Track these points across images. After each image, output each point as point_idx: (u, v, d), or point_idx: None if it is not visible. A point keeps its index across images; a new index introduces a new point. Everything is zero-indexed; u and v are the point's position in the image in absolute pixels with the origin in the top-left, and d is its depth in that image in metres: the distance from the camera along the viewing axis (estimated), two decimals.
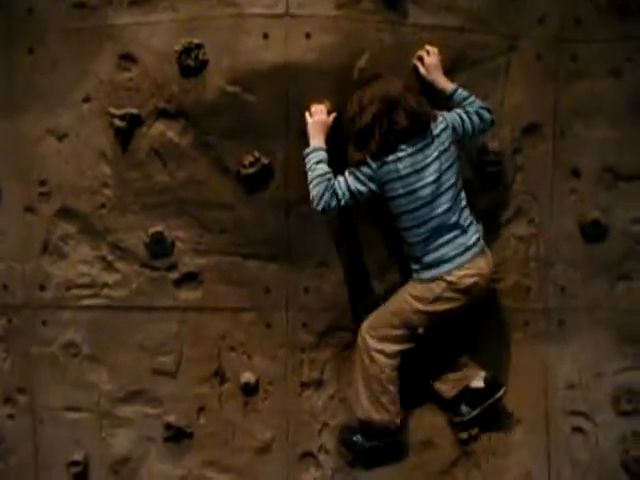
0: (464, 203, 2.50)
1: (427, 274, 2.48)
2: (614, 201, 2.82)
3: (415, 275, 2.54)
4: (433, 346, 2.67)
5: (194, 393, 2.76)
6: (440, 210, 2.43)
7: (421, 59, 2.55)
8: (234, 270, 2.71)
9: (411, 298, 2.51)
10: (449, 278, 2.45)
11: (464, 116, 2.50)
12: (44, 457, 2.82)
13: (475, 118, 2.50)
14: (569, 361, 2.85)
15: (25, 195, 2.73)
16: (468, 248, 2.47)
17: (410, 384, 2.69)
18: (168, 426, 2.75)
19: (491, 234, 2.79)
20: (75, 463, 2.77)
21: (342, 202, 2.40)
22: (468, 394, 2.68)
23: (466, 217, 2.49)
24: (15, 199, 2.74)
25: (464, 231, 2.47)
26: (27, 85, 2.67)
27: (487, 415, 2.73)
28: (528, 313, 2.85)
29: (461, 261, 2.45)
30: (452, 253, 2.45)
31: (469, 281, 2.45)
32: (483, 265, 2.49)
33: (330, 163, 2.44)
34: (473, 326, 2.81)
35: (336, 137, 2.49)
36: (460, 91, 2.54)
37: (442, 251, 2.45)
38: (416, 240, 2.47)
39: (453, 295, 2.46)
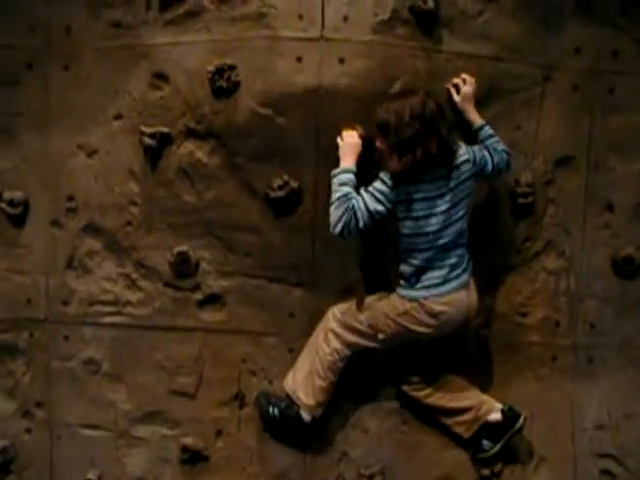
0: (463, 241, 2.47)
1: (405, 292, 2.48)
2: None
3: (397, 287, 2.52)
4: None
5: (212, 416, 2.73)
6: (441, 242, 2.41)
7: (456, 86, 2.52)
8: (258, 293, 2.68)
9: (386, 302, 2.52)
10: (422, 301, 2.44)
11: (487, 154, 2.47)
12: (59, 474, 2.80)
13: (496, 159, 2.48)
14: (598, 400, 2.77)
15: (52, 209, 2.74)
16: (447, 281, 2.44)
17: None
18: (184, 448, 2.72)
19: (521, 267, 2.75)
20: None
21: (360, 223, 2.35)
22: (487, 429, 2.62)
23: (460, 253, 2.46)
24: (42, 213, 2.75)
25: (453, 265, 2.44)
26: (61, 101, 2.69)
27: (510, 451, 2.67)
28: (556, 348, 2.79)
29: (437, 292, 2.44)
30: (430, 282, 2.44)
31: (439, 308, 2.43)
32: (461, 298, 2.47)
33: (359, 185, 2.41)
34: (495, 360, 2.77)
35: (367, 161, 2.47)
36: (488, 128, 2.52)
37: (424, 277, 2.44)
38: (410, 261, 2.45)
39: (421, 316, 2.44)
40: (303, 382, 2.58)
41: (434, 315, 2.44)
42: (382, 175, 2.38)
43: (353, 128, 2.45)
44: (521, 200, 2.68)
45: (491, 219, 2.70)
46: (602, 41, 2.67)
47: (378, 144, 2.37)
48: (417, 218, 2.39)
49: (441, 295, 2.43)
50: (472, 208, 2.51)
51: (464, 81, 2.51)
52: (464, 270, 2.48)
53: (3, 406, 2.77)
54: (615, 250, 2.76)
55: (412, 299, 2.45)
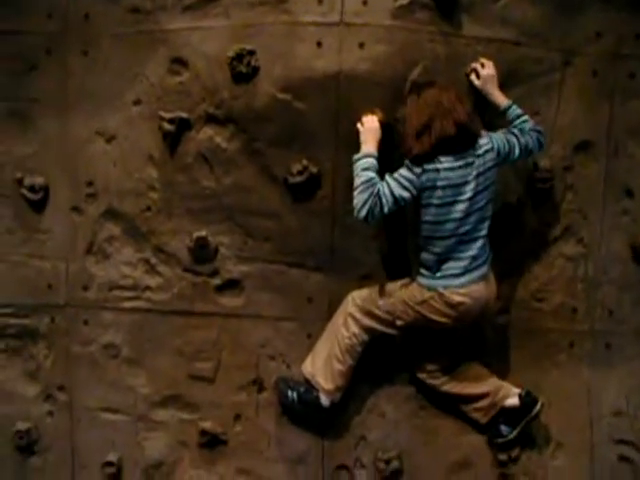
0: (484, 232, 2.46)
1: (425, 281, 2.48)
2: None
3: (417, 275, 2.52)
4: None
5: (231, 400, 2.75)
6: (462, 230, 2.41)
7: (476, 71, 2.51)
8: (277, 278, 2.69)
9: (405, 290, 2.53)
10: (441, 291, 2.44)
11: (513, 139, 2.46)
12: (80, 456, 2.83)
13: (523, 141, 2.46)
14: (615, 386, 2.77)
15: (72, 195, 2.76)
16: (467, 272, 2.44)
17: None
18: (203, 432, 2.75)
19: (539, 252, 2.75)
20: (110, 464, 2.78)
21: (385, 209, 2.36)
22: (505, 414, 2.63)
23: (481, 245, 2.45)
24: (62, 199, 2.77)
25: (473, 257, 2.44)
26: (79, 87, 2.70)
27: (527, 436, 2.68)
28: (573, 334, 2.79)
29: (456, 283, 2.44)
30: (450, 272, 2.44)
31: (458, 299, 2.44)
32: (480, 289, 2.47)
33: (380, 171, 2.41)
34: (512, 346, 2.77)
35: (387, 146, 2.46)
36: (515, 107, 2.51)
37: (444, 267, 2.44)
38: (430, 250, 2.45)
39: (439, 306, 2.45)
40: (322, 367, 2.60)
41: (453, 305, 2.44)
42: (408, 162, 2.38)
43: (373, 113, 2.45)
44: (539, 185, 2.67)
45: (509, 205, 2.69)
46: (623, 25, 2.65)
47: (403, 135, 2.40)
48: (441, 205, 2.39)
49: (460, 286, 2.43)
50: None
51: (482, 65, 2.51)
52: (484, 262, 2.47)
53: (26, 389, 2.81)
54: (634, 236, 2.75)
55: (431, 288, 2.46)
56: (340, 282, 2.66)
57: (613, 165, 2.73)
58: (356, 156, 2.42)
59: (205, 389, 2.76)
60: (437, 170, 2.36)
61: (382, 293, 2.56)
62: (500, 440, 2.66)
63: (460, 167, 2.37)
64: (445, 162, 2.36)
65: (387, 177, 2.39)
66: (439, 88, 2.40)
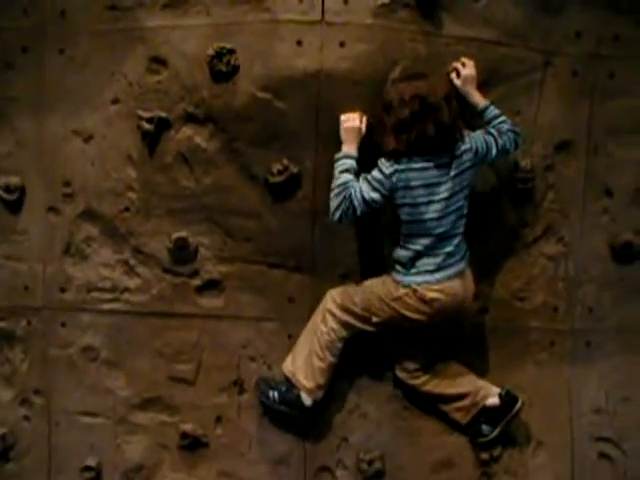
0: (461, 230, 2.46)
1: (399, 278, 2.48)
2: None
3: (392, 272, 2.52)
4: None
5: (212, 402, 2.72)
6: (439, 230, 2.41)
7: (457, 70, 2.51)
8: (257, 279, 2.67)
9: (380, 286, 2.53)
10: (415, 287, 2.44)
11: (490, 139, 2.46)
12: (58, 461, 2.78)
13: (501, 141, 2.46)
14: (595, 384, 2.79)
15: (49, 195, 2.71)
16: (441, 268, 2.44)
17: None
18: (184, 435, 2.72)
19: (519, 252, 2.75)
20: (88, 468, 2.74)
21: (358, 212, 2.38)
22: (486, 413, 2.64)
23: (457, 242, 2.45)
24: (39, 199, 2.72)
25: (449, 253, 2.44)
26: (56, 85, 2.65)
27: (508, 435, 2.69)
28: (554, 333, 2.79)
29: (430, 279, 2.44)
30: (425, 268, 2.44)
31: (432, 295, 2.43)
32: (455, 286, 2.46)
33: (361, 170, 2.41)
34: (493, 346, 2.78)
35: (369, 146, 2.46)
36: (492, 108, 2.51)
37: (419, 263, 2.44)
38: (410, 247, 2.45)
39: (413, 302, 2.45)
40: (303, 365, 2.58)
41: (427, 302, 2.44)
42: (380, 163, 2.38)
43: (353, 111, 2.43)
44: (520, 185, 2.67)
45: (490, 205, 2.69)
46: (603, 26, 2.65)
47: (381, 123, 2.38)
48: (416, 205, 2.39)
49: (435, 282, 2.43)
50: (471, 194, 2.49)
51: (463, 64, 2.50)
52: (460, 259, 2.47)
53: (1, 394, 2.76)
54: (613, 235, 2.77)
55: (405, 285, 2.46)
56: (321, 282, 2.65)
57: (593, 164, 2.74)
58: (337, 155, 2.42)
59: (185, 391, 2.73)
60: (410, 170, 2.36)
61: (359, 290, 2.56)
62: (481, 439, 2.67)
63: (435, 167, 2.37)
64: (419, 162, 2.36)
65: (361, 179, 2.39)
66: (428, 83, 2.35)
